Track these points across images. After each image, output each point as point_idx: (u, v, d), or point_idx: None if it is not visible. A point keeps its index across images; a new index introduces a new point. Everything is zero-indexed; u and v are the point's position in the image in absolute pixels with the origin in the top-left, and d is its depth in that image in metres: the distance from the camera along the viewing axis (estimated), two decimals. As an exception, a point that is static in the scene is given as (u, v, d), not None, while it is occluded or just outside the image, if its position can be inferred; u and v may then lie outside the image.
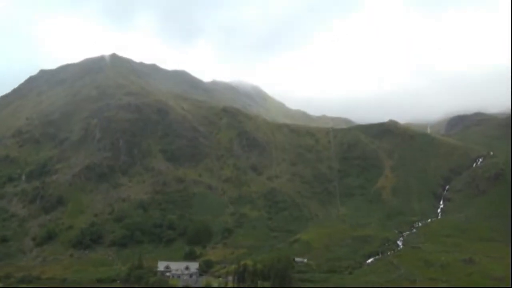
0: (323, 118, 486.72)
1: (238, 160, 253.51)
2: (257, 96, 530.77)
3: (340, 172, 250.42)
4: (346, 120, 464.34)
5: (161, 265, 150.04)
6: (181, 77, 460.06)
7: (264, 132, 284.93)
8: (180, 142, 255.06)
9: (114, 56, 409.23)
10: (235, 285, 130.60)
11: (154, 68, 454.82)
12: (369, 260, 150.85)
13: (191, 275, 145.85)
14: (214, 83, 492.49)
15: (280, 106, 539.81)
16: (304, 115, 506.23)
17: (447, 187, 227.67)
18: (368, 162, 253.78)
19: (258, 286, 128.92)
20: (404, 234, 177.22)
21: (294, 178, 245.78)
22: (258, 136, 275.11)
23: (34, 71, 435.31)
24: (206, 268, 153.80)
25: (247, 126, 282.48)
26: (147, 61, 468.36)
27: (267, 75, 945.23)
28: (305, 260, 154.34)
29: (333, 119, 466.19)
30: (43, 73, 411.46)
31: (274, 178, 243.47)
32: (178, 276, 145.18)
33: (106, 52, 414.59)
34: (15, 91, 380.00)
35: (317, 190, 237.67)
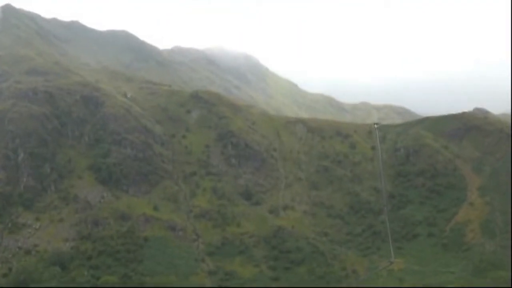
0: (362, 107, 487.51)
1: (220, 181, 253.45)
2: (252, 72, 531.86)
3: (394, 199, 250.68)
4: (401, 110, 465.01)
5: None
6: (123, 42, 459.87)
7: (263, 132, 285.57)
8: (121, 153, 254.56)
9: (7, 9, 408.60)
10: None
11: (76, 29, 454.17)
12: None
13: None
14: (177, 52, 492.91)
15: (291, 89, 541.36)
16: (330, 102, 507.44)
17: None
18: (441, 180, 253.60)
19: None
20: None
21: (315, 210, 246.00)
22: (253, 140, 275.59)
23: None
24: None
25: (234, 123, 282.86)
26: (65, 17, 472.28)
27: (268, 39, 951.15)
28: None
29: (379, 108, 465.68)
30: None
31: (281, 211, 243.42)
32: None
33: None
34: None
35: (355, 229, 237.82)
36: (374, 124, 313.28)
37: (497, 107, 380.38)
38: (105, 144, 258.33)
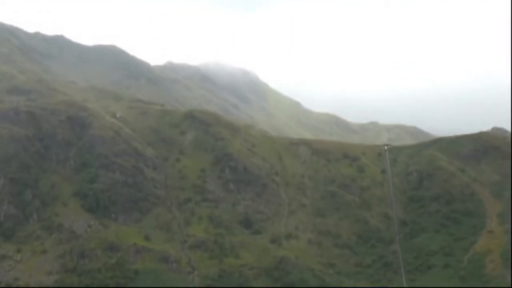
0: (371, 126, 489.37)
1: (217, 208, 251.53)
2: (251, 89, 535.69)
3: (406, 226, 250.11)
4: (412, 130, 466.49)
5: None
6: (111, 58, 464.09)
7: (264, 155, 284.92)
8: (110, 178, 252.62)
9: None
10: None
11: (61, 43, 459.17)
12: None
13: None
14: (169, 68, 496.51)
15: (293, 107, 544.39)
16: (336, 122, 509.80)
17: None
18: (457, 206, 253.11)
19: None
20: None
21: (321, 239, 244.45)
22: (252, 163, 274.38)
23: None
24: None
25: (232, 145, 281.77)
26: (49, 31, 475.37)
27: (268, 53, 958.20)
28: None
29: (389, 128, 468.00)
30: None
31: (284, 240, 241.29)
32: None
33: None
34: None
35: (364, 260, 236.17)
36: (384, 145, 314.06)
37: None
38: (92, 168, 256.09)
